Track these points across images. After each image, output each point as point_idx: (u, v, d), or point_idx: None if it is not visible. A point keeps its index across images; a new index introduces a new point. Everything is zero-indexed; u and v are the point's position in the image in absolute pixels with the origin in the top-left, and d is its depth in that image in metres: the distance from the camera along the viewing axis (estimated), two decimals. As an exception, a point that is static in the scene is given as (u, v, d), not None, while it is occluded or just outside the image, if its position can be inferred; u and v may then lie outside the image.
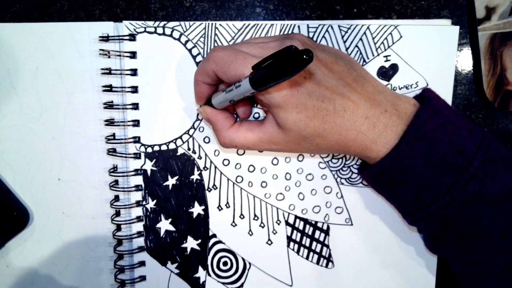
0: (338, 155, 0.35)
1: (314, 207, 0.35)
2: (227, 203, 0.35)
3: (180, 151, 0.34)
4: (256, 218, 0.35)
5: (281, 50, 0.20)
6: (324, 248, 0.35)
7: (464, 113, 0.35)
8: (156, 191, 0.34)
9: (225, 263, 0.35)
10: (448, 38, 0.33)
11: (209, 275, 0.35)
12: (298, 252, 0.35)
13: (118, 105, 0.33)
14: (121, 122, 0.34)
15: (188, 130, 0.34)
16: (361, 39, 0.33)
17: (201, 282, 0.35)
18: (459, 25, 0.34)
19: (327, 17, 0.34)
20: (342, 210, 0.35)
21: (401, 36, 0.33)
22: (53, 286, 0.35)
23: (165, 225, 0.35)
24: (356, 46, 0.33)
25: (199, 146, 0.34)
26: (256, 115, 0.34)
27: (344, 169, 0.35)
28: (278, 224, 0.35)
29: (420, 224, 0.29)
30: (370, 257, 0.35)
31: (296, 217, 0.35)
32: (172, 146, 0.34)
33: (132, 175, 0.34)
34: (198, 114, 0.34)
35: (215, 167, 0.34)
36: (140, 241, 0.35)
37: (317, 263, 0.35)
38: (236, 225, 0.35)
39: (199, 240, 0.35)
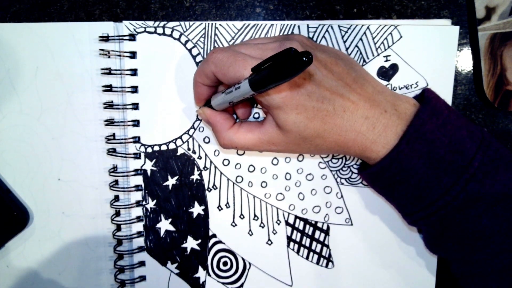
0: (338, 155, 0.35)
1: (314, 207, 0.35)
2: (227, 203, 0.35)
3: (180, 151, 0.34)
4: (256, 218, 0.35)
5: (280, 52, 0.20)
6: (324, 248, 0.35)
7: (464, 113, 0.35)
8: (156, 191, 0.34)
9: (225, 263, 0.35)
10: (448, 38, 0.33)
11: (209, 275, 0.35)
12: (298, 252, 0.35)
13: (118, 105, 0.33)
14: (121, 122, 0.34)
15: (188, 130, 0.34)
16: (361, 39, 0.33)
17: (201, 282, 0.35)
18: (459, 25, 0.34)
19: (327, 17, 0.34)
20: (342, 210, 0.35)
21: (401, 36, 0.33)
22: (53, 286, 0.35)
23: (165, 225, 0.35)
24: (356, 46, 0.33)
25: (199, 146, 0.34)
26: (256, 115, 0.34)
27: (344, 169, 0.35)
28: (278, 224, 0.35)
29: (420, 224, 0.29)
30: (370, 257, 0.35)
31: (296, 217, 0.35)
32: (172, 146, 0.34)
33: (132, 175, 0.34)
34: (198, 115, 0.34)
35: (215, 167, 0.34)
36: (140, 241, 0.35)
37: (317, 263, 0.35)
38: (236, 225, 0.35)
39: (199, 240, 0.35)
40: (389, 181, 0.28)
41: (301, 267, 0.35)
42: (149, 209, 0.35)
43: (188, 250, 0.35)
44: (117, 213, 0.34)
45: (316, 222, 0.35)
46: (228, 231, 0.35)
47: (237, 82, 0.25)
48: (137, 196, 0.34)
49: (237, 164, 0.34)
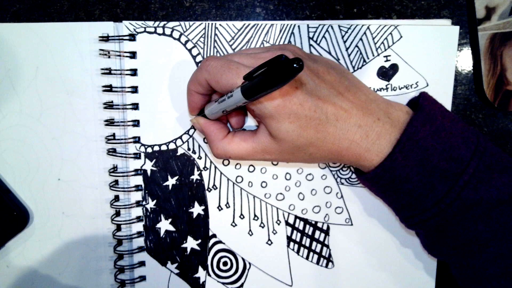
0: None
1: (314, 207, 0.35)
2: (227, 203, 0.35)
3: (180, 151, 0.34)
4: (256, 218, 0.35)
5: (271, 59, 0.20)
6: (324, 248, 0.35)
7: (464, 113, 0.35)
8: (156, 191, 0.34)
9: (225, 263, 0.35)
10: (448, 38, 0.33)
11: (209, 275, 0.35)
12: (298, 252, 0.35)
13: (118, 105, 0.33)
14: (121, 122, 0.34)
15: (188, 130, 0.34)
16: (361, 39, 0.33)
17: (201, 282, 0.35)
18: (459, 25, 0.34)
19: (327, 17, 0.34)
20: (342, 210, 0.35)
21: (401, 36, 0.33)
22: (53, 286, 0.35)
23: (165, 225, 0.35)
24: (356, 46, 0.33)
25: (199, 146, 0.34)
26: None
27: (344, 169, 0.35)
28: (278, 224, 0.35)
29: (416, 228, 0.29)
30: (370, 257, 0.35)
31: (296, 217, 0.35)
32: (172, 146, 0.34)
33: (132, 175, 0.34)
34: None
35: (215, 167, 0.34)
36: (140, 241, 0.35)
37: (317, 263, 0.35)
38: (236, 225, 0.35)
39: (199, 240, 0.35)
40: (384, 188, 0.28)
41: (301, 267, 0.35)
42: (149, 209, 0.35)
43: (188, 250, 0.35)
44: (117, 213, 0.34)
45: (316, 222, 0.35)
46: (228, 231, 0.35)
47: (230, 91, 0.25)
48: (137, 196, 0.34)
49: (237, 164, 0.34)
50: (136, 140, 0.34)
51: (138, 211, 0.34)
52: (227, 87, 0.25)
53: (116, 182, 0.34)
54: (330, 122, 0.26)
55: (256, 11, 0.34)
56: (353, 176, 0.35)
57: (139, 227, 0.35)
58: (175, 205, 0.35)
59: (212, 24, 0.33)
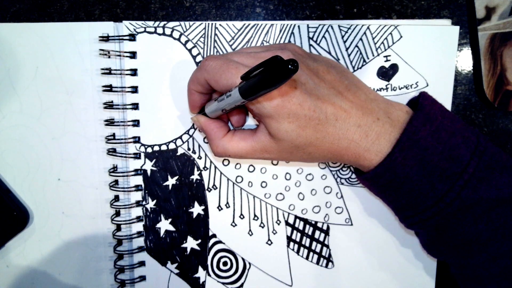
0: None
1: (314, 207, 0.35)
2: (227, 203, 0.35)
3: (180, 151, 0.34)
4: (256, 218, 0.35)
5: (267, 60, 0.20)
6: (324, 248, 0.35)
7: (464, 113, 0.35)
8: (156, 191, 0.34)
9: (225, 263, 0.35)
10: (448, 38, 0.33)
11: (209, 275, 0.35)
12: (298, 252, 0.35)
13: (118, 105, 0.33)
14: (121, 122, 0.34)
15: (188, 130, 0.34)
16: (361, 39, 0.33)
17: (201, 282, 0.35)
18: (459, 25, 0.34)
19: (327, 17, 0.34)
20: (342, 210, 0.35)
21: (401, 36, 0.33)
22: (53, 286, 0.35)
23: (165, 225, 0.35)
24: (356, 46, 0.33)
25: (199, 146, 0.34)
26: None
27: (344, 169, 0.35)
28: (278, 224, 0.35)
29: (416, 228, 0.29)
30: (370, 257, 0.35)
31: (296, 217, 0.35)
32: (172, 146, 0.34)
33: (132, 175, 0.34)
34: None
35: (215, 167, 0.34)
36: (140, 241, 0.35)
37: (317, 263, 0.35)
38: (236, 225, 0.35)
39: (199, 240, 0.35)
40: (384, 188, 0.28)
41: (301, 267, 0.35)
42: (149, 209, 0.35)
43: (188, 250, 0.35)
44: (117, 213, 0.34)
45: (316, 222, 0.35)
46: (228, 231, 0.35)
47: (229, 90, 0.25)
48: (137, 196, 0.34)
49: (237, 164, 0.34)
50: (136, 140, 0.34)
51: (138, 211, 0.34)
52: (226, 87, 0.25)
53: (116, 182, 0.34)
54: (330, 122, 0.26)
55: (256, 11, 0.34)
56: (353, 176, 0.35)
57: (139, 227, 0.35)
58: (175, 205, 0.35)
59: (212, 24, 0.33)
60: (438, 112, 0.27)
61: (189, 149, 0.34)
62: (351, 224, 0.35)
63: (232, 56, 0.27)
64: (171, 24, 0.33)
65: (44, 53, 0.33)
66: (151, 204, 0.34)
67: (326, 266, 0.36)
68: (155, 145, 0.34)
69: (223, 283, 0.35)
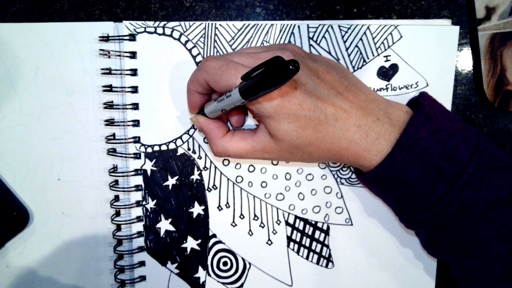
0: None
1: (314, 207, 0.35)
2: (227, 203, 0.35)
3: (180, 151, 0.34)
4: (256, 218, 0.35)
5: (268, 60, 0.20)
6: (324, 248, 0.35)
7: (464, 113, 0.35)
8: (156, 191, 0.34)
9: (225, 263, 0.35)
10: (448, 38, 0.33)
11: (209, 275, 0.35)
12: (298, 252, 0.35)
13: (118, 105, 0.33)
14: (121, 122, 0.34)
15: (188, 130, 0.34)
16: (361, 39, 0.33)
17: (201, 282, 0.35)
18: (459, 25, 0.34)
19: (327, 17, 0.34)
20: (342, 210, 0.35)
21: (401, 36, 0.33)
22: (53, 286, 0.35)
23: (165, 225, 0.35)
24: (356, 46, 0.33)
25: (199, 146, 0.34)
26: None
27: (344, 169, 0.35)
28: (278, 224, 0.35)
29: (416, 228, 0.29)
30: (370, 257, 0.35)
31: (296, 217, 0.35)
32: (172, 146, 0.34)
33: (132, 175, 0.34)
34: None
35: (215, 167, 0.34)
36: (140, 241, 0.35)
37: (317, 263, 0.35)
38: (236, 225, 0.35)
39: (199, 240, 0.35)
40: (384, 188, 0.28)
41: (301, 267, 0.35)
42: (149, 209, 0.35)
43: (188, 250, 0.35)
44: (117, 213, 0.34)
45: (316, 222, 0.35)
46: (228, 231, 0.35)
47: (229, 90, 0.25)
48: (137, 196, 0.34)
49: (237, 164, 0.34)
50: (136, 140, 0.34)
51: (138, 211, 0.34)
52: (226, 87, 0.25)
53: (116, 182, 0.34)
54: (330, 122, 0.26)
55: (256, 11, 0.34)
56: (353, 176, 0.35)
57: (139, 227, 0.35)
58: (175, 205, 0.35)
59: (212, 24, 0.33)
60: (438, 112, 0.27)
61: (189, 149, 0.34)
62: (351, 224, 0.35)
63: (232, 56, 0.27)
64: (171, 24, 0.33)
65: (44, 53, 0.33)
66: (151, 204, 0.34)
67: (326, 266, 0.36)
68: (155, 145, 0.34)
69: (223, 283, 0.35)
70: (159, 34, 0.33)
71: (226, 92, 0.25)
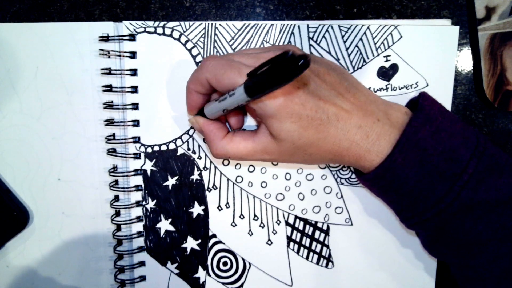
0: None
1: (314, 207, 0.35)
2: (227, 203, 0.35)
3: (180, 151, 0.34)
4: (256, 218, 0.35)
5: (277, 56, 0.20)
6: (324, 248, 0.35)
7: (464, 113, 0.35)
8: (156, 191, 0.34)
9: (225, 263, 0.35)
10: (448, 38, 0.33)
11: (209, 275, 0.35)
12: (298, 252, 0.35)
13: (118, 105, 0.33)
14: (121, 122, 0.34)
15: (188, 130, 0.34)
16: (361, 39, 0.33)
17: (201, 282, 0.35)
18: (459, 25, 0.34)
19: (327, 17, 0.34)
20: (342, 210, 0.35)
21: (401, 36, 0.33)
22: (53, 286, 0.35)
23: (165, 225, 0.35)
24: (356, 46, 0.33)
25: (199, 146, 0.34)
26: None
27: (344, 169, 0.35)
28: (278, 224, 0.35)
29: (416, 228, 0.29)
30: (370, 257, 0.35)
31: (296, 217, 0.35)
32: (172, 146, 0.34)
33: (132, 175, 0.34)
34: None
35: (215, 167, 0.34)
36: (140, 241, 0.35)
37: (317, 263, 0.35)
38: (236, 225, 0.35)
39: (199, 240, 0.35)
40: (384, 188, 0.28)
41: (301, 267, 0.35)
42: (149, 209, 0.35)
43: (188, 250, 0.35)
44: (117, 213, 0.34)
45: (316, 222, 0.35)
46: (228, 231, 0.35)
47: (231, 89, 0.25)
48: (137, 196, 0.34)
49: (237, 164, 0.34)
50: (136, 140, 0.34)
51: (138, 211, 0.34)
52: (228, 86, 0.25)
53: (116, 182, 0.34)
54: (331, 123, 0.26)
55: (256, 11, 0.34)
56: (353, 176, 0.35)
57: (139, 227, 0.35)
58: (175, 205, 0.35)
59: (212, 24, 0.33)
60: (437, 112, 0.27)
61: (189, 149, 0.34)
62: (351, 224, 0.35)
63: (233, 56, 0.27)
64: (171, 24, 0.33)
65: (44, 53, 0.33)
66: (151, 204, 0.34)
67: (326, 266, 0.36)
68: (155, 145, 0.34)
69: (223, 283, 0.35)
70: (159, 34, 0.33)
71: (228, 91, 0.25)
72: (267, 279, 0.35)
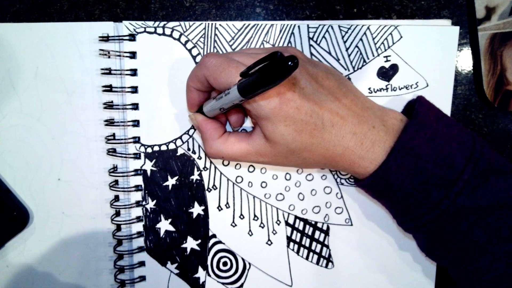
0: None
1: (314, 207, 0.35)
2: (227, 203, 0.35)
3: (180, 151, 0.34)
4: (256, 218, 0.35)
5: (266, 56, 0.20)
6: (324, 249, 0.35)
7: (464, 113, 0.35)
8: (156, 191, 0.34)
9: (225, 263, 0.35)
10: (448, 38, 0.33)
11: (209, 275, 0.35)
12: (298, 252, 0.35)
13: (118, 105, 0.33)
14: (121, 122, 0.34)
15: (188, 130, 0.34)
16: (361, 39, 0.33)
17: (201, 282, 0.35)
18: (459, 25, 0.33)
19: (327, 17, 0.34)
20: (342, 210, 0.35)
21: (401, 37, 0.33)
22: (53, 286, 0.35)
23: (165, 225, 0.35)
24: (356, 46, 0.33)
25: (199, 146, 0.34)
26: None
27: (344, 169, 0.35)
28: (278, 224, 0.35)
29: (413, 232, 0.29)
30: (370, 257, 0.35)
31: (296, 217, 0.35)
32: (172, 146, 0.34)
33: (132, 175, 0.34)
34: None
35: (215, 167, 0.34)
36: (140, 241, 0.35)
37: (317, 263, 0.35)
38: (236, 225, 0.35)
39: (199, 240, 0.35)
40: (379, 194, 0.28)
41: (301, 267, 0.35)
42: (149, 209, 0.35)
43: (188, 250, 0.35)
44: (117, 213, 0.34)
45: (316, 222, 0.35)
46: (228, 231, 0.35)
47: (228, 88, 0.25)
48: (137, 196, 0.34)
49: (237, 164, 0.34)
50: (136, 140, 0.34)
51: (138, 211, 0.34)
52: (225, 85, 0.25)
53: (116, 182, 0.34)
54: (326, 128, 0.26)
55: (256, 11, 0.34)
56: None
57: (139, 227, 0.35)
58: (175, 205, 0.35)
59: (212, 24, 0.33)
60: (433, 118, 0.26)
61: (189, 149, 0.34)
62: (351, 224, 0.35)
63: (232, 55, 0.27)
64: (171, 24, 0.33)
65: (44, 53, 0.33)
66: (151, 204, 0.34)
67: (326, 266, 0.36)
68: (155, 145, 0.34)
69: (223, 283, 0.35)
70: (159, 34, 0.33)
71: (225, 90, 0.25)
72: (267, 279, 0.35)
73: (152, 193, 0.34)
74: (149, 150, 0.34)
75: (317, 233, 0.35)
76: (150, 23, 0.33)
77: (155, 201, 0.34)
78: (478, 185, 0.25)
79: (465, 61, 0.35)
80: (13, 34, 0.33)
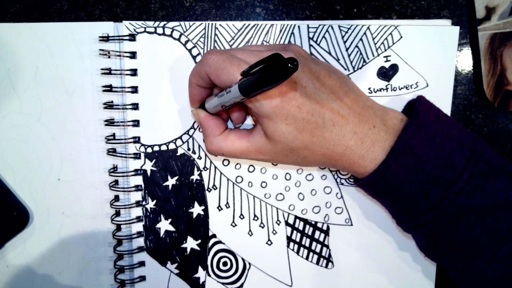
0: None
1: (314, 207, 0.35)
2: (227, 203, 0.35)
3: (180, 151, 0.34)
4: (256, 218, 0.35)
5: (267, 57, 0.20)
6: (324, 249, 0.35)
7: (464, 113, 0.35)
8: (156, 191, 0.34)
9: (225, 263, 0.35)
10: (448, 38, 0.33)
11: (209, 275, 0.35)
12: (298, 252, 0.35)
13: (118, 105, 0.33)
14: (121, 122, 0.34)
15: (188, 130, 0.34)
16: (361, 39, 0.33)
17: (201, 282, 0.35)
18: (459, 25, 0.33)
19: (327, 17, 0.34)
20: (342, 210, 0.35)
21: (401, 37, 0.33)
22: (53, 286, 0.35)
23: (165, 225, 0.35)
24: (356, 46, 0.33)
25: (199, 146, 0.34)
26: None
27: (344, 169, 0.35)
28: (278, 224, 0.35)
29: (412, 232, 0.29)
30: (370, 257, 0.35)
31: (296, 217, 0.35)
32: (172, 146, 0.34)
33: (132, 175, 0.34)
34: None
35: (215, 167, 0.34)
36: (140, 241, 0.35)
37: (317, 263, 0.35)
38: (236, 225, 0.35)
39: (199, 240, 0.35)
40: (379, 194, 0.28)
41: (301, 267, 0.35)
42: (149, 209, 0.35)
43: (188, 250, 0.35)
44: (117, 213, 0.34)
45: (316, 222, 0.35)
46: (228, 231, 0.35)
47: (229, 86, 0.25)
48: (137, 196, 0.34)
49: (237, 164, 0.34)
50: (136, 140, 0.34)
51: (138, 211, 0.34)
52: (227, 82, 0.25)
53: (116, 182, 0.34)
54: (327, 127, 0.26)
55: (256, 11, 0.34)
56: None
57: (139, 227, 0.35)
58: (175, 205, 0.35)
59: (212, 24, 0.33)
60: (433, 118, 0.26)
61: (189, 149, 0.34)
62: (351, 224, 0.35)
63: (235, 52, 0.27)
64: (171, 24, 0.33)
65: (44, 53, 0.33)
66: (151, 204, 0.34)
67: (326, 266, 0.36)
68: (155, 145, 0.34)
69: (223, 283, 0.35)
70: (159, 34, 0.33)
71: (227, 87, 0.25)
72: (267, 279, 0.35)
73: (152, 193, 0.34)
74: (149, 150, 0.34)
75: (317, 233, 0.35)
76: (150, 23, 0.33)
77: (155, 201, 0.34)
78: (477, 185, 0.25)
79: (465, 61, 0.35)
80: (13, 34, 0.33)
